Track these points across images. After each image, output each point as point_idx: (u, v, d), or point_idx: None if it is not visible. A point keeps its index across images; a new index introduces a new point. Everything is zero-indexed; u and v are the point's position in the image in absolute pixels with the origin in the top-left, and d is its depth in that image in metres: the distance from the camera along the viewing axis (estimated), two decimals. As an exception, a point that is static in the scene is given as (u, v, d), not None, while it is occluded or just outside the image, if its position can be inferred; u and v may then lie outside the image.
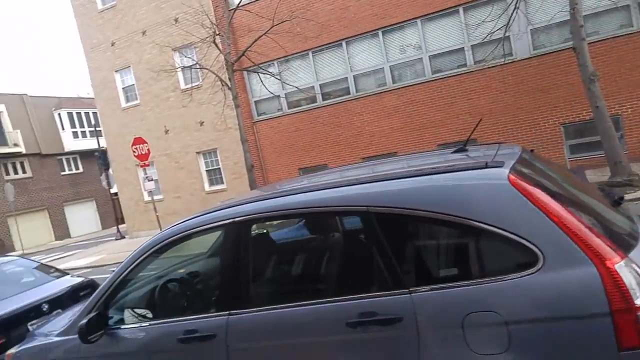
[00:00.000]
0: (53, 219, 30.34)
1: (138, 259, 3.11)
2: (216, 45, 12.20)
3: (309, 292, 2.65)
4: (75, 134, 30.91)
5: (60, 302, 4.92)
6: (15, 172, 28.57)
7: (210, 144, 17.12)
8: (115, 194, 21.99)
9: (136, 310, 3.29)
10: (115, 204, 21.64)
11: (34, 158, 29.31)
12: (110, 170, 21.38)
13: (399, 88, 13.49)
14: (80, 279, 5.51)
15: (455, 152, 2.87)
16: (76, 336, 3.20)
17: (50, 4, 70.11)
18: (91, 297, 3.27)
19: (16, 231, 25.46)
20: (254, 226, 2.89)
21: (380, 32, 13.37)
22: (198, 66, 13.87)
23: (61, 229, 30.74)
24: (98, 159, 21.16)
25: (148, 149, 14.51)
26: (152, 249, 3.08)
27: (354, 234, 2.67)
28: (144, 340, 3.00)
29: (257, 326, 2.57)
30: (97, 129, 31.93)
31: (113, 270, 3.26)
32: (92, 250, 19.60)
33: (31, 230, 27.89)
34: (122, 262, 3.22)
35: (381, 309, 2.22)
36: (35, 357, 3.48)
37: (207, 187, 17.68)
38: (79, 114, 31.33)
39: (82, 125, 31.41)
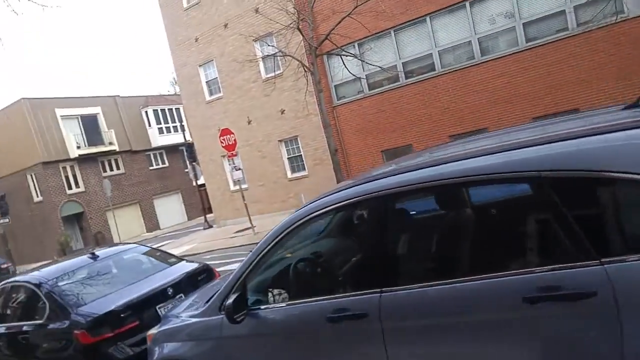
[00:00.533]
0: (144, 211, 32.32)
1: (276, 238, 3.05)
2: (300, 30, 12.14)
3: (470, 267, 2.45)
4: (160, 130, 32.60)
5: (180, 286, 5.07)
6: (111, 169, 30.72)
7: (291, 132, 17.25)
8: (202, 185, 22.93)
9: (274, 290, 3.23)
10: (202, 195, 22.55)
11: (126, 155, 31.31)
12: (196, 163, 22.33)
13: (488, 61, 12.72)
14: (196, 265, 5.65)
15: (626, 108, 2.50)
16: (215, 317, 3.23)
17: (133, 7, 74.39)
18: (230, 278, 3.27)
19: (114, 224, 27.39)
20: (400, 200, 2.72)
21: (467, 4, 12.62)
22: (280, 54, 13.90)
23: (151, 221, 32.69)
24: (185, 152, 22.07)
25: (235, 140, 14.91)
26: (290, 228, 3.01)
27: (521, 201, 2.40)
28: (289, 320, 2.95)
29: (414, 305, 2.41)
30: (181, 123, 33.59)
31: (250, 251, 3.24)
32: (183, 240, 20.62)
33: (125, 223, 29.86)
34: (259, 241, 3.18)
35: (567, 283, 1.98)
36: (173, 337, 3.56)
37: (289, 175, 17.88)
38: (163, 110, 32.99)
39: (166, 121, 33.06)
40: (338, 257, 3.45)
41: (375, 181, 2.68)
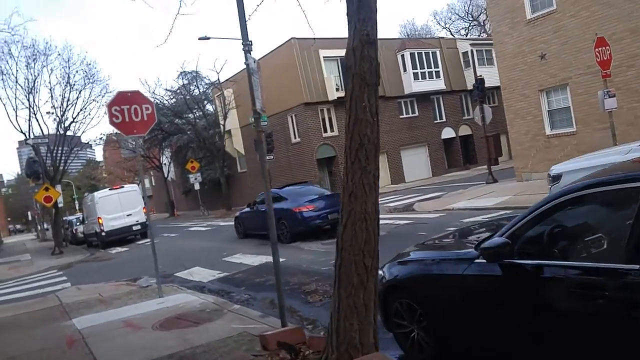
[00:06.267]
0: (390, 162, 30.59)
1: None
2: None
3: None
4: (415, 76, 30.06)
5: None
6: (364, 114, 29.43)
7: (676, 51, 12.24)
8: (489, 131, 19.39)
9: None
10: (489, 143, 18.96)
11: (379, 100, 29.38)
12: (485, 103, 18.81)
13: None
14: None
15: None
16: None
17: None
18: None
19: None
20: None
21: None
22: None
23: (397, 173, 30.83)
24: (475, 89, 18.66)
25: (610, 54, 10.78)
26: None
27: None
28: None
29: None
30: (436, 69, 30.46)
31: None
32: (472, 193, 17.31)
33: (371, 173, 28.38)
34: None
35: None
36: None
37: (656, 113, 12.99)
38: (420, 54, 30.26)
39: (422, 66, 30.32)
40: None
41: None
